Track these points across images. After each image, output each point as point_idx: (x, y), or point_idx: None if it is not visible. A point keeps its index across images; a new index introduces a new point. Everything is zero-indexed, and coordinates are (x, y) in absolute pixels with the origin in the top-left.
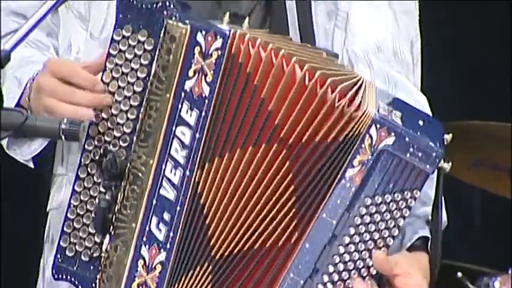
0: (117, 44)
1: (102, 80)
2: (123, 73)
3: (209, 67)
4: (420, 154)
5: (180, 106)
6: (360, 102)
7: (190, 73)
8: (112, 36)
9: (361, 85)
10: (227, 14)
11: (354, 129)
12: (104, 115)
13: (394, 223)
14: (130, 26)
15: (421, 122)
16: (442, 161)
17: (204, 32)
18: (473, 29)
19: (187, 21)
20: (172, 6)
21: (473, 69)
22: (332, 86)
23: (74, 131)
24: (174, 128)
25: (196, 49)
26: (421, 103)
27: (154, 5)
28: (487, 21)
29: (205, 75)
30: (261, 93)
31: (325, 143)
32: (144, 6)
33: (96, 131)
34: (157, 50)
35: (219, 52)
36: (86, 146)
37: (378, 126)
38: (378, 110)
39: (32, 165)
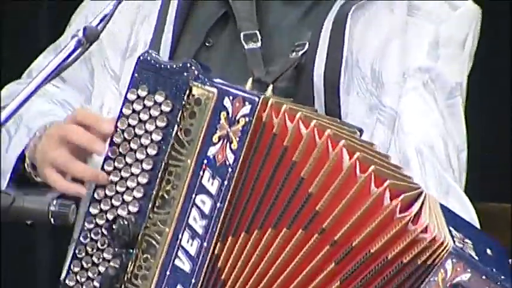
0: (130, 104)
1: (112, 141)
2: (135, 135)
3: (235, 134)
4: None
5: (201, 173)
6: (428, 224)
7: (215, 139)
8: (126, 96)
9: (424, 198)
10: (250, 80)
11: (426, 256)
12: (112, 177)
13: None
14: (146, 85)
15: (489, 251)
16: None
17: (231, 97)
18: None
19: (214, 84)
20: (193, 68)
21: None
22: (392, 191)
23: (63, 213)
24: (193, 195)
25: (223, 114)
26: (472, 214)
27: (175, 66)
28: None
29: (231, 142)
30: (301, 171)
31: (387, 260)
32: (163, 66)
33: (103, 194)
34: (180, 112)
35: (247, 119)
36: (91, 210)
37: (455, 260)
38: (453, 240)
39: None
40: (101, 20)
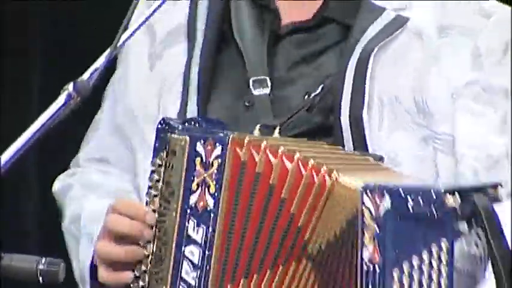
0: (154, 174)
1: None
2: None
3: (211, 177)
4: (421, 201)
5: (187, 223)
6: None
7: (194, 186)
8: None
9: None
10: (257, 127)
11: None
12: None
13: (437, 282)
14: (162, 152)
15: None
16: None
17: (202, 141)
18: None
19: (185, 130)
20: (172, 121)
21: None
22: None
23: (53, 272)
24: (183, 248)
25: (197, 160)
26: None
27: (159, 125)
28: None
29: (208, 187)
30: (290, 208)
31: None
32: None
33: None
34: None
35: (219, 160)
36: None
37: (369, 193)
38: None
39: None
40: (92, 74)
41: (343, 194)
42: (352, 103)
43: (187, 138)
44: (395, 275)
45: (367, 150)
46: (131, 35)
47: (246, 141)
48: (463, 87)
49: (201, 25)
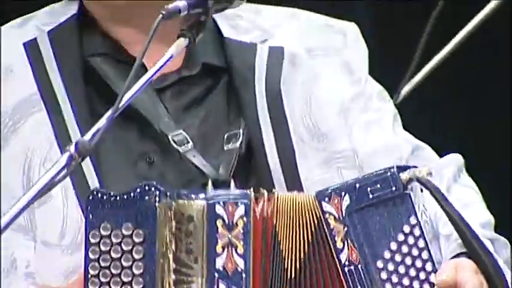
0: (96, 246)
1: None
2: (113, 274)
3: (237, 238)
4: (379, 185)
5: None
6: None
7: (219, 249)
8: (87, 240)
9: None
10: (210, 183)
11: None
12: None
13: (421, 260)
14: (107, 223)
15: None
16: (411, 173)
17: (222, 203)
18: None
19: (199, 197)
20: (153, 188)
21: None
22: None
23: None
24: None
25: (219, 222)
26: None
27: (131, 194)
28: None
29: (236, 247)
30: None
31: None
32: (118, 198)
33: None
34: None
35: (245, 219)
36: None
37: (326, 198)
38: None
39: None
40: (93, 135)
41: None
42: (278, 142)
43: (205, 202)
44: (381, 266)
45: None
46: (133, 95)
47: (264, 198)
48: (349, 102)
49: (59, 89)
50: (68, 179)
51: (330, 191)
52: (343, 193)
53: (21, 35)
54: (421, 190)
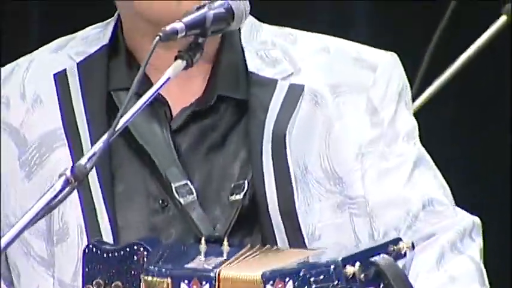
0: None
1: None
2: None
3: None
4: (321, 277)
5: None
6: None
7: None
8: None
9: None
10: (203, 241)
11: None
12: None
13: None
14: (100, 279)
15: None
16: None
17: (186, 281)
18: None
19: (165, 271)
20: (141, 249)
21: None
22: None
23: None
24: None
25: None
26: None
27: (122, 252)
28: None
29: None
30: None
31: None
32: (110, 255)
33: None
34: None
35: None
36: None
37: (270, 281)
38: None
39: None
40: (89, 159)
41: None
42: (279, 191)
43: (169, 280)
44: None
45: (301, 235)
46: (129, 119)
47: (231, 275)
48: (367, 146)
49: (82, 125)
50: (81, 215)
51: (275, 274)
52: (287, 279)
53: (53, 62)
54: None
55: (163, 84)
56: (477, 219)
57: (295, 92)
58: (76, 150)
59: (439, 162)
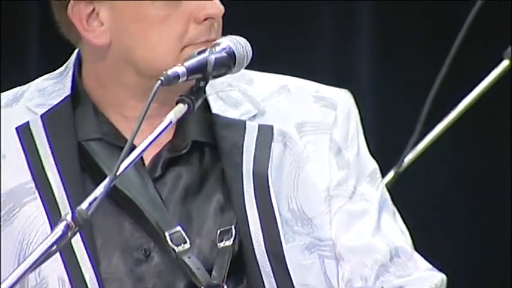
0: None
1: None
2: None
3: None
4: None
5: None
6: None
7: None
8: None
9: None
10: None
11: None
12: None
13: None
14: None
15: None
16: None
17: None
18: None
19: None
20: None
21: None
22: None
23: None
24: None
25: None
26: None
27: None
28: None
29: None
30: None
31: None
32: None
33: None
34: None
35: None
36: None
37: None
38: None
39: None
40: (90, 204)
41: None
42: (265, 232)
43: None
44: None
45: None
46: (130, 164)
47: None
48: (334, 188)
49: (54, 177)
50: (63, 268)
51: None
52: None
53: (12, 116)
54: None
55: (164, 129)
56: (444, 277)
57: (266, 133)
58: (49, 203)
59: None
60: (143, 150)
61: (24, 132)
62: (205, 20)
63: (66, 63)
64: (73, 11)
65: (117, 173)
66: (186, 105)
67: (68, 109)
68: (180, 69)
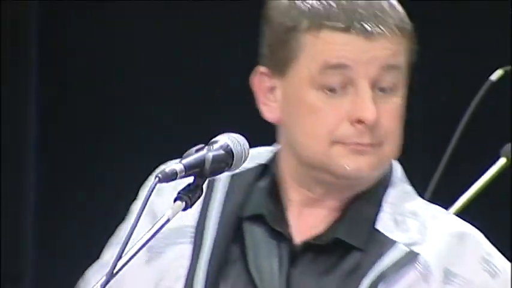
0: None
1: None
2: None
3: None
4: None
5: None
6: None
7: None
8: None
9: None
10: None
11: None
12: None
13: None
14: None
15: None
16: None
17: None
18: None
19: None
20: None
21: None
22: None
23: None
24: None
25: None
26: None
27: None
28: None
29: None
30: None
31: None
32: None
33: None
34: None
35: None
36: None
37: None
38: None
39: None
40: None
41: None
42: None
43: None
44: None
45: None
46: (128, 261)
47: None
48: None
49: (211, 230)
50: None
51: None
52: None
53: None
54: None
55: (162, 225)
56: None
57: (407, 257)
58: (194, 253)
59: None
60: (140, 248)
61: (211, 181)
62: (358, 122)
63: None
64: (259, 82)
65: (114, 271)
66: (184, 203)
67: (251, 176)
68: (178, 166)
